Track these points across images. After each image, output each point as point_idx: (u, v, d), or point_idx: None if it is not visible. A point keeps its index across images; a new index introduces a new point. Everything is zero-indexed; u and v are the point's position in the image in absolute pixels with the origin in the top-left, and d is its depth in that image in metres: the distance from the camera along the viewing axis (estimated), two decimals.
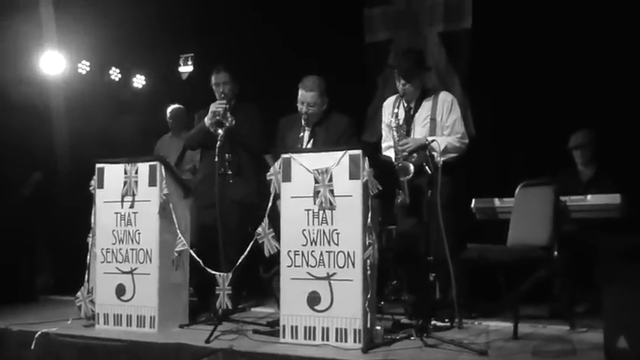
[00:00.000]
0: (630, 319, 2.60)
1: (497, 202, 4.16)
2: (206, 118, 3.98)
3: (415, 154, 3.56)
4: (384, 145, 3.87)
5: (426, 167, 3.44)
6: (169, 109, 5.51)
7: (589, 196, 3.87)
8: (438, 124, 3.67)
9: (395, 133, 3.63)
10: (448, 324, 3.52)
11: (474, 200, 4.26)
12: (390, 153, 3.75)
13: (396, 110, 3.66)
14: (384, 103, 3.93)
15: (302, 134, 3.78)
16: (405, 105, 3.68)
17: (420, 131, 3.67)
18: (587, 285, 3.76)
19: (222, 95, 4.04)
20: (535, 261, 3.52)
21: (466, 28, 5.30)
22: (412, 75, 3.63)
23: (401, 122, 3.64)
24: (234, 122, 3.86)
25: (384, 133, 3.90)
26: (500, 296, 3.78)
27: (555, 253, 3.50)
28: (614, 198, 3.76)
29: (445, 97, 3.74)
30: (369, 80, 5.82)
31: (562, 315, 3.70)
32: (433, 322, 3.45)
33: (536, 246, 3.51)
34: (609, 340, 2.69)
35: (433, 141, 3.47)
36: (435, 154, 3.46)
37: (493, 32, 5.01)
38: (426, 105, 3.70)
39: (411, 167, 3.51)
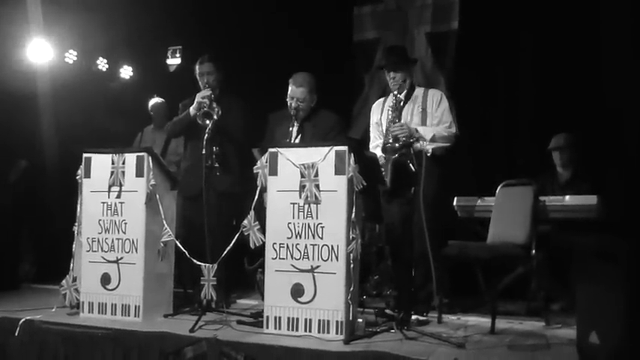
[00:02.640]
0: (601, 316, 2.69)
1: (478, 200, 4.26)
2: (191, 108, 3.99)
3: (400, 150, 3.59)
4: (372, 145, 3.91)
5: (410, 165, 3.51)
6: (151, 103, 5.53)
7: (567, 197, 3.98)
8: (429, 115, 3.73)
9: (391, 113, 3.67)
10: (426, 318, 3.59)
11: (456, 198, 4.35)
12: (377, 152, 3.80)
13: (393, 99, 3.72)
14: (373, 106, 3.98)
15: (291, 129, 3.83)
16: (396, 97, 3.73)
17: (412, 121, 3.71)
18: (563, 283, 3.88)
19: (207, 85, 4.06)
20: (513, 259, 3.63)
21: (453, 30, 5.39)
22: (400, 66, 3.71)
23: (397, 106, 3.69)
24: (220, 112, 3.89)
25: (372, 134, 3.92)
26: (479, 292, 3.88)
27: (533, 251, 3.61)
28: (591, 199, 3.87)
29: (434, 92, 3.83)
30: (356, 78, 5.89)
31: (538, 312, 3.81)
32: (415, 317, 3.52)
33: (515, 244, 3.61)
34: (581, 336, 2.79)
35: (418, 140, 3.54)
36: (424, 144, 3.54)
37: (479, 34, 5.11)
38: (416, 97, 3.77)
39: (397, 147, 3.54)
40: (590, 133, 4.41)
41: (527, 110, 4.79)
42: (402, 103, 3.73)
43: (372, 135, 3.94)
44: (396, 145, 3.56)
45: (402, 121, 3.67)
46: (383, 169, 3.62)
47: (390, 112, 3.70)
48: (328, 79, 5.16)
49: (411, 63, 3.91)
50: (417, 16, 5.61)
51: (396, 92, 3.72)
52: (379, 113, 3.88)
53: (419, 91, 3.81)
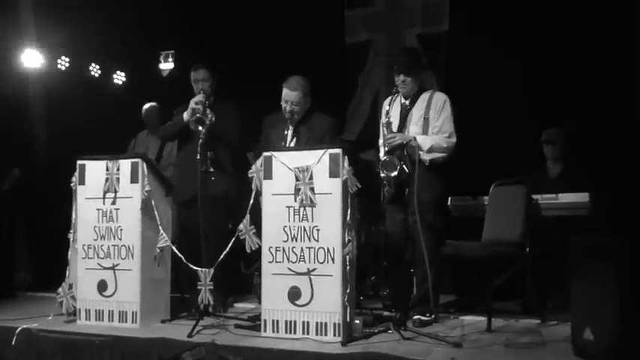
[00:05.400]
0: (595, 312, 2.72)
1: (472, 200, 4.28)
2: (185, 114, 4.00)
3: (396, 152, 3.60)
4: (380, 141, 3.88)
5: (404, 166, 3.53)
6: (144, 108, 5.54)
7: (560, 195, 4.00)
8: (430, 123, 3.71)
9: (385, 130, 3.67)
10: (429, 318, 3.60)
11: (450, 198, 4.37)
12: (382, 149, 3.78)
13: (387, 107, 3.70)
14: (384, 102, 3.93)
15: (286, 132, 3.84)
16: (402, 102, 3.73)
17: (413, 129, 3.71)
18: (558, 280, 3.91)
19: (201, 92, 4.08)
20: (508, 257, 3.64)
21: (444, 30, 5.44)
22: (411, 71, 3.70)
23: (391, 119, 3.67)
24: (213, 119, 3.90)
25: (380, 130, 3.87)
26: (474, 291, 3.90)
27: (527, 249, 3.64)
28: (583, 196, 3.90)
29: (439, 97, 3.77)
30: (350, 80, 5.92)
31: (534, 309, 3.83)
32: (417, 317, 3.54)
33: (509, 242, 3.63)
34: (576, 332, 2.82)
35: (411, 140, 3.54)
36: (420, 152, 3.54)
37: (469, 34, 5.15)
38: (421, 104, 3.75)
39: (396, 161, 3.54)
40: (582, 127, 4.45)
41: (520, 108, 4.83)
42: (407, 108, 3.73)
43: (380, 132, 3.88)
44: (394, 159, 3.56)
45: (406, 130, 3.69)
46: (385, 183, 3.61)
47: (385, 131, 3.67)
48: (321, 81, 5.19)
49: (421, 69, 3.87)
50: (408, 17, 5.66)
51: (403, 100, 3.72)
52: (385, 113, 3.85)
53: (424, 96, 3.76)
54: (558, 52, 4.75)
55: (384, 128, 3.69)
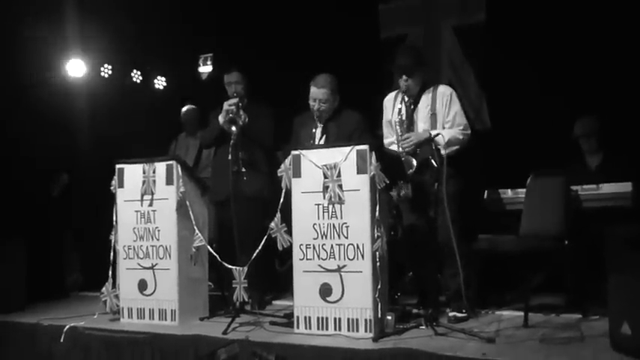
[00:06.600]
0: (633, 306, 2.62)
1: (509, 192, 4.17)
2: (220, 117, 4.08)
3: (419, 149, 3.57)
4: (385, 141, 3.87)
5: (432, 161, 3.48)
6: (183, 110, 5.66)
7: (601, 185, 3.85)
8: (439, 118, 3.65)
9: (398, 128, 3.66)
10: (465, 314, 3.55)
11: (486, 191, 4.28)
12: (392, 148, 3.77)
13: (399, 106, 3.68)
14: (385, 100, 3.91)
15: (314, 130, 3.86)
16: (406, 100, 3.69)
17: (422, 126, 3.67)
18: (599, 273, 3.77)
19: (235, 94, 4.15)
20: (546, 250, 3.54)
21: (480, 21, 5.32)
22: (412, 71, 3.64)
23: (404, 117, 3.64)
24: (247, 120, 3.96)
25: (384, 129, 3.88)
26: (512, 286, 3.81)
27: (566, 242, 3.52)
28: (626, 186, 3.74)
29: (444, 91, 3.69)
30: (385, 75, 5.86)
31: (576, 304, 3.70)
32: (452, 314, 3.50)
33: (548, 236, 3.53)
34: (614, 327, 2.73)
35: (438, 134, 3.50)
36: (440, 147, 3.50)
37: (507, 24, 5.02)
38: (425, 99, 3.69)
39: (414, 161, 3.54)
40: (622, 115, 4.27)
41: (559, 97, 4.67)
42: (412, 107, 3.68)
43: (384, 131, 3.89)
44: (409, 159, 3.55)
45: (414, 127, 3.65)
46: (401, 183, 3.61)
47: (398, 129, 3.65)
48: (358, 77, 5.19)
49: (423, 67, 3.76)
50: (443, 9, 5.56)
51: (406, 98, 3.67)
52: (391, 111, 3.81)
53: (427, 91, 3.70)
54: (597, 40, 4.57)
55: (397, 127, 3.66)
